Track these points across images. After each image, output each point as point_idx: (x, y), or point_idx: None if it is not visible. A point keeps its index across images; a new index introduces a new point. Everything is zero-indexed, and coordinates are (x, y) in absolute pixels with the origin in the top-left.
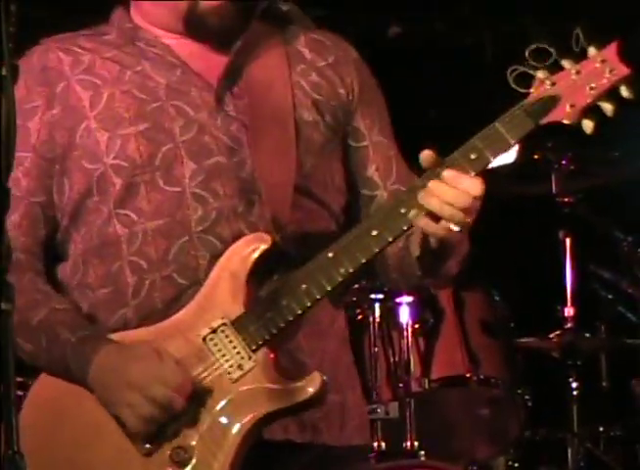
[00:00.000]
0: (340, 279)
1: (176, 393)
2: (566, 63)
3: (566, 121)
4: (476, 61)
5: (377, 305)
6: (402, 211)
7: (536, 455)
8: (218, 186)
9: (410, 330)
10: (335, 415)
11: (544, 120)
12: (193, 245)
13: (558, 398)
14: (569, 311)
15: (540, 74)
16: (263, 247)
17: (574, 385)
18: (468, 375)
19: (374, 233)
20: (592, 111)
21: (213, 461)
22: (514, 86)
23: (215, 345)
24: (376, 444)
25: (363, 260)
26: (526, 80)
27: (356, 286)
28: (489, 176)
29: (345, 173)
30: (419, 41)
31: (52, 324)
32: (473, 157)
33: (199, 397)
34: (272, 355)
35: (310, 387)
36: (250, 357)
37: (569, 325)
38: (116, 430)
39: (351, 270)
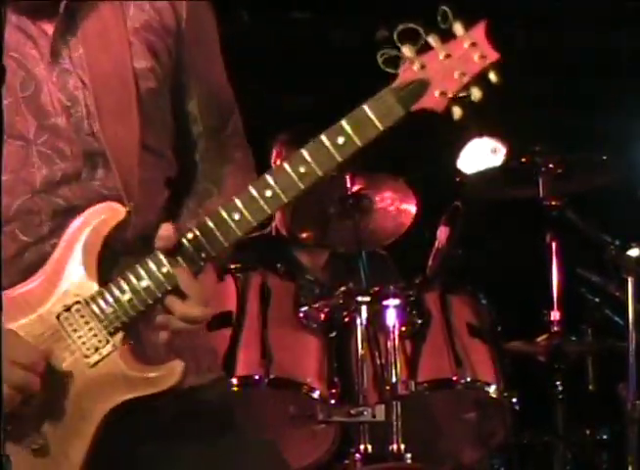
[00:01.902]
0: (201, 264)
1: (32, 374)
2: (433, 41)
3: (435, 109)
4: None
5: (363, 308)
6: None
7: (523, 459)
8: (64, 146)
9: (397, 333)
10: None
11: (414, 107)
12: (35, 203)
13: (544, 401)
14: (555, 315)
15: (408, 54)
16: (117, 218)
17: (561, 388)
18: (454, 378)
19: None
20: (460, 96)
21: (69, 448)
22: (383, 68)
23: (71, 325)
24: (362, 446)
25: (226, 245)
26: (396, 61)
27: (343, 289)
28: (477, 179)
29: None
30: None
31: None
32: (340, 141)
33: (55, 380)
34: (130, 340)
35: (171, 377)
36: (107, 341)
37: (555, 329)
38: None
39: (213, 254)
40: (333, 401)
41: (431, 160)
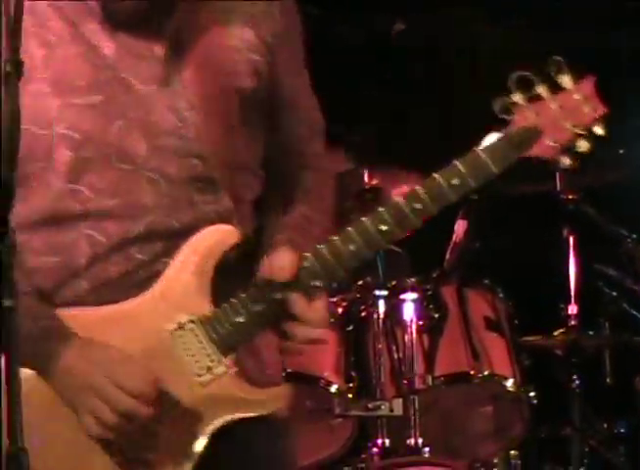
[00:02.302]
0: (315, 293)
1: (142, 402)
2: (544, 92)
3: (544, 157)
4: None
5: (381, 302)
6: None
7: (540, 453)
8: (172, 170)
9: (414, 327)
10: None
11: (527, 153)
12: (154, 226)
13: (561, 395)
14: (572, 309)
15: (521, 101)
16: (232, 241)
17: (578, 382)
18: (472, 372)
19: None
20: (569, 147)
21: (176, 466)
22: (498, 114)
23: (184, 343)
24: (380, 440)
25: (342, 274)
26: (508, 107)
27: (360, 283)
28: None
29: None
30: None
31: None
32: (455, 182)
33: (163, 399)
34: (241, 362)
35: (278, 400)
36: (220, 361)
37: (572, 323)
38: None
39: (326, 284)
40: (350, 396)
41: (448, 154)
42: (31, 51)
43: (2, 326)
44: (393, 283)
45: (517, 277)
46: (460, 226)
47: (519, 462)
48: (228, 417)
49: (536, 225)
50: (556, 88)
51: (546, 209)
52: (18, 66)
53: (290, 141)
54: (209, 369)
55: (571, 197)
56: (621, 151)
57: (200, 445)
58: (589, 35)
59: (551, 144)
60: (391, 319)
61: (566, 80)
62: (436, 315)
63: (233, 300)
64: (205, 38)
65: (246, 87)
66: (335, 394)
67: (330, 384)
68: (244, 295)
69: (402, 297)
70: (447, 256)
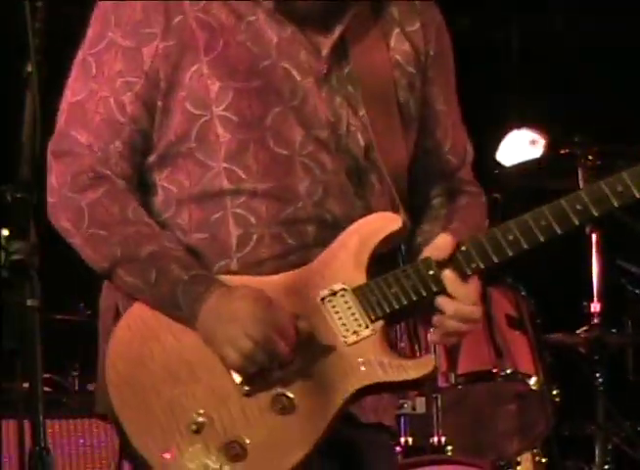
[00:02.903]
0: (468, 273)
1: (280, 338)
2: None
3: None
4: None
5: None
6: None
7: (564, 450)
8: (326, 160)
9: None
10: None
11: None
12: (306, 212)
13: (585, 393)
14: (595, 307)
15: None
16: (394, 228)
17: (601, 380)
18: (495, 370)
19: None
20: None
21: (314, 416)
22: None
23: (333, 307)
24: (403, 439)
25: (496, 261)
26: None
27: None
28: (516, 171)
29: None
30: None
31: (163, 259)
32: (620, 189)
33: (309, 351)
34: (388, 330)
35: (423, 368)
36: (367, 326)
37: (595, 320)
38: (213, 369)
39: (482, 266)
40: None
41: None
42: (195, 32)
43: (25, 325)
44: None
45: (540, 274)
46: None
47: (542, 460)
48: (373, 380)
49: None
50: None
51: None
52: (39, 66)
53: (440, 168)
54: (356, 332)
55: None
56: None
57: (340, 399)
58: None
59: None
60: (414, 318)
61: None
62: None
63: (388, 274)
64: (367, 46)
65: (403, 101)
66: None
67: None
68: (399, 270)
69: None
70: None
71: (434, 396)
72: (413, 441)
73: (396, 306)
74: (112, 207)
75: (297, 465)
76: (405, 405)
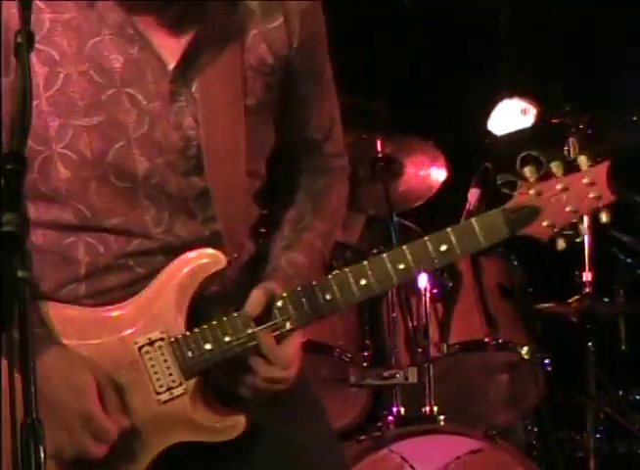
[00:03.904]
0: (284, 332)
1: (104, 445)
2: (555, 169)
3: (539, 237)
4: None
5: None
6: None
7: (555, 420)
8: (172, 188)
9: (428, 295)
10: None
11: (519, 232)
12: (153, 241)
13: (576, 362)
14: (587, 276)
15: (530, 177)
16: (217, 268)
17: (593, 349)
18: (486, 340)
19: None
20: (568, 229)
21: None
22: (500, 188)
23: (150, 359)
24: (395, 409)
25: (312, 319)
26: (513, 182)
27: (374, 252)
28: (508, 140)
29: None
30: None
31: None
32: (443, 249)
33: (124, 407)
34: (202, 386)
35: (232, 431)
36: (181, 384)
37: (587, 290)
38: None
39: (297, 326)
40: (365, 364)
41: (461, 121)
42: (35, 69)
43: (16, 297)
44: None
45: (531, 244)
46: (473, 195)
47: (534, 430)
48: (182, 438)
49: None
50: (569, 166)
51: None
52: (29, 37)
53: (302, 145)
54: (169, 389)
55: None
56: (636, 117)
57: (148, 457)
58: None
59: (548, 225)
60: (406, 288)
61: (582, 160)
62: (451, 284)
63: (206, 326)
64: (219, 52)
65: (255, 103)
66: (350, 363)
67: (345, 353)
68: (216, 324)
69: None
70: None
71: (425, 365)
72: (405, 410)
73: (211, 364)
74: None
75: None
76: (397, 375)
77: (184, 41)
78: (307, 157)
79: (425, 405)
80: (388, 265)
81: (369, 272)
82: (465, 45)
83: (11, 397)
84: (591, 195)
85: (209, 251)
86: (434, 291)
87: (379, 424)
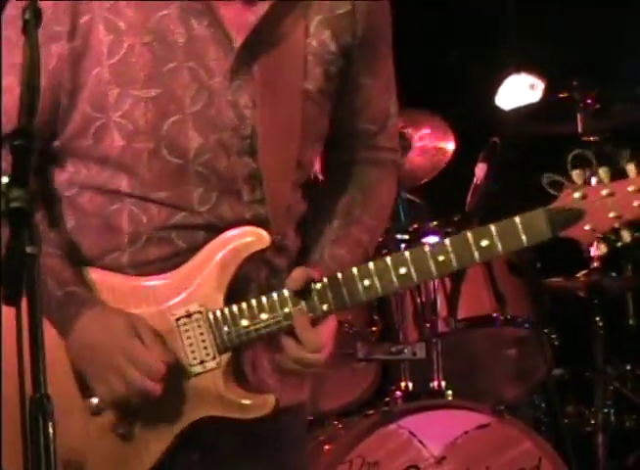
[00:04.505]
0: (321, 314)
1: (155, 381)
2: (603, 175)
3: (580, 241)
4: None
5: (402, 246)
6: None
7: (563, 394)
8: (223, 167)
9: None
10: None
11: (562, 234)
12: (197, 218)
13: (584, 337)
14: (595, 251)
15: (577, 179)
16: (260, 247)
17: (601, 324)
18: (494, 315)
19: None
20: (609, 234)
21: (151, 443)
22: (546, 187)
23: (186, 331)
24: (403, 384)
25: (349, 305)
26: (559, 183)
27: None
28: (515, 115)
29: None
30: None
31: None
32: (484, 244)
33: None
34: (235, 362)
35: (263, 408)
36: (214, 358)
37: (595, 264)
38: (66, 376)
39: (333, 309)
40: (373, 339)
41: (468, 96)
42: (100, 34)
43: (25, 272)
44: (415, 227)
45: None
46: (480, 169)
47: (542, 404)
48: (211, 412)
49: (557, 167)
50: (616, 173)
51: (567, 150)
52: (37, 13)
53: (356, 136)
54: (202, 362)
55: (592, 138)
56: None
57: (177, 429)
58: None
59: (590, 230)
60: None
61: (631, 168)
62: None
63: (244, 303)
64: (284, 34)
65: (314, 89)
66: (358, 338)
67: (353, 328)
68: (255, 301)
69: (424, 240)
70: (468, 199)
71: (433, 341)
72: (413, 386)
73: (245, 340)
74: None
75: None
76: (405, 350)
77: (253, 19)
78: (360, 148)
79: (433, 380)
80: (429, 256)
81: (409, 262)
82: (473, 19)
83: (20, 372)
84: (635, 203)
85: (254, 229)
86: None
87: (387, 399)
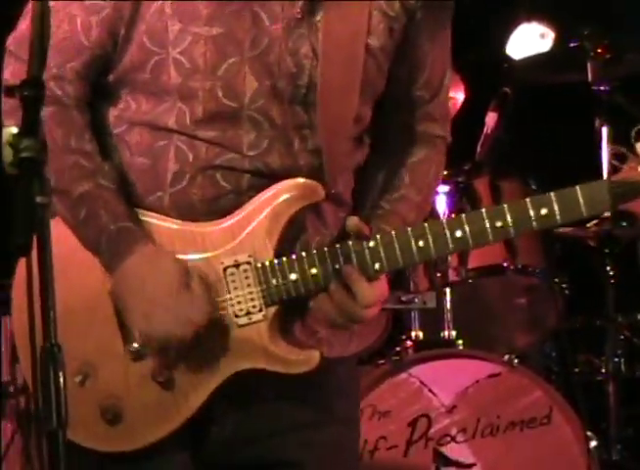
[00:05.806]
0: (372, 273)
1: (192, 326)
2: None
3: (638, 214)
4: None
5: None
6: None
7: (574, 344)
8: (276, 114)
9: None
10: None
11: (622, 207)
12: (244, 162)
13: (595, 286)
14: None
15: (636, 156)
16: (314, 199)
17: (612, 273)
18: (505, 264)
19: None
20: None
21: (191, 392)
22: (611, 159)
23: (233, 281)
24: (414, 333)
25: (401, 265)
26: (624, 155)
27: None
28: (526, 64)
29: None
30: None
31: (94, 202)
32: (543, 212)
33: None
34: (282, 315)
35: (307, 364)
36: (261, 310)
37: (606, 214)
38: (108, 322)
39: (386, 268)
40: None
41: (479, 46)
42: None
43: (35, 222)
44: None
45: (549, 168)
46: (491, 118)
47: (553, 354)
48: (255, 365)
49: (568, 116)
50: None
51: (578, 100)
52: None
53: (408, 101)
54: (248, 314)
55: (603, 88)
56: None
57: (218, 379)
58: None
59: None
60: None
61: None
62: (469, 208)
63: (294, 256)
64: None
65: (376, 44)
66: None
67: None
68: (305, 255)
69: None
70: (479, 148)
71: (444, 290)
72: (424, 335)
73: (293, 295)
74: (55, 131)
75: (163, 438)
76: (416, 300)
77: None
78: (411, 118)
79: (443, 330)
80: (486, 221)
81: (465, 226)
82: None
83: (30, 322)
84: None
85: (308, 181)
86: (453, 215)
87: (397, 348)
